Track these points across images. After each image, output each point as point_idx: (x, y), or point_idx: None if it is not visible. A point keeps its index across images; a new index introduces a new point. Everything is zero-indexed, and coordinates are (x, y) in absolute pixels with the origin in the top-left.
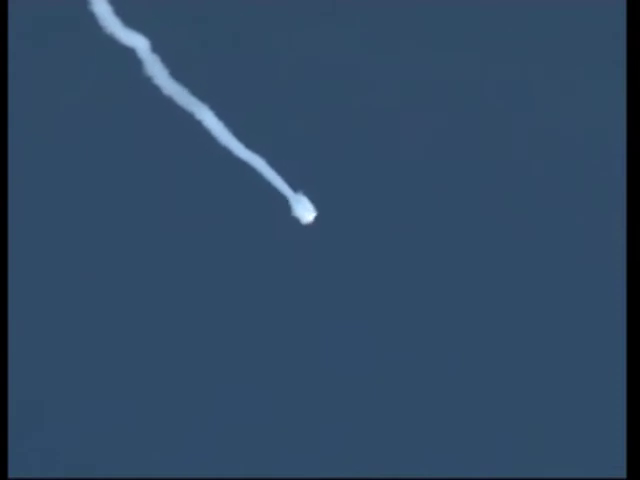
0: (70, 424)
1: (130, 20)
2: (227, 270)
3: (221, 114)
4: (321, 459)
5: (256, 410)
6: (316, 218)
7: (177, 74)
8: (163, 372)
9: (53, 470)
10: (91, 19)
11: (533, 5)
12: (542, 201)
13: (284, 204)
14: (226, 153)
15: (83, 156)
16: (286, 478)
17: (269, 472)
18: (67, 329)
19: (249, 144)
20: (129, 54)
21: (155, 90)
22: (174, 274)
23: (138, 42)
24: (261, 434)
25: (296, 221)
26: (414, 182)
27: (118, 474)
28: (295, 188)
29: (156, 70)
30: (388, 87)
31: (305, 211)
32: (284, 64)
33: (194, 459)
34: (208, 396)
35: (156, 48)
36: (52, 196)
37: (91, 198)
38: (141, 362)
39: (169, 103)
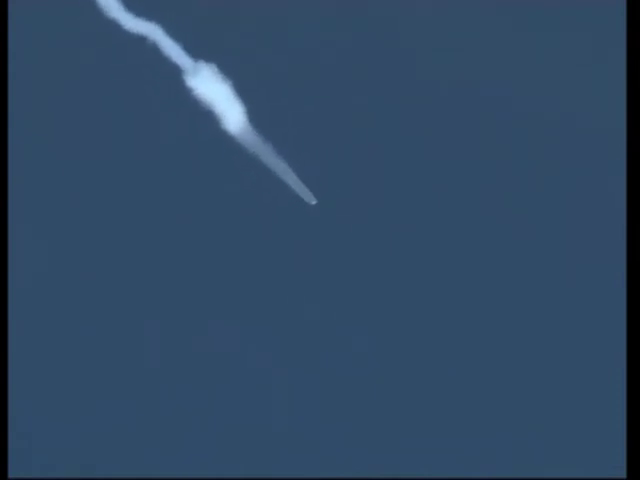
0: (70, 424)
1: None
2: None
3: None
4: (321, 459)
5: (255, 411)
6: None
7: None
8: (163, 373)
9: (53, 470)
10: None
11: (533, 5)
12: (543, 199)
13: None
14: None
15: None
16: (286, 478)
17: (269, 472)
18: (67, 331)
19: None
20: None
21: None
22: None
23: None
24: (260, 434)
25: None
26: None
27: (118, 474)
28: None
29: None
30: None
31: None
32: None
33: (194, 459)
34: (208, 397)
35: None
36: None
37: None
38: (140, 363)
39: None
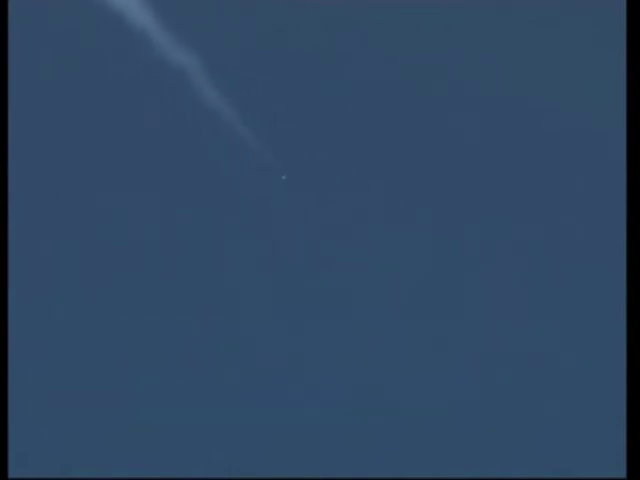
0: (70, 425)
1: None
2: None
3: None
4: (320, 459)
5: (254, 411)
6: None
7: None
8: (163, 374)
9: (53, 470)
10: None
11: (533, 4)
12: (542, 200)
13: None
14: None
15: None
16: (286, 478)
17: (268, 472)
18: (66, 330)
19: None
20: None
21: None
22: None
23: None
24: (259, 434)
25: None
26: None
27: (118, 474)
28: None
29: None
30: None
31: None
32: None
33: (193, 459)
34: (206, 398)
35: None
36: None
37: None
38: (140, 364)
39: None
